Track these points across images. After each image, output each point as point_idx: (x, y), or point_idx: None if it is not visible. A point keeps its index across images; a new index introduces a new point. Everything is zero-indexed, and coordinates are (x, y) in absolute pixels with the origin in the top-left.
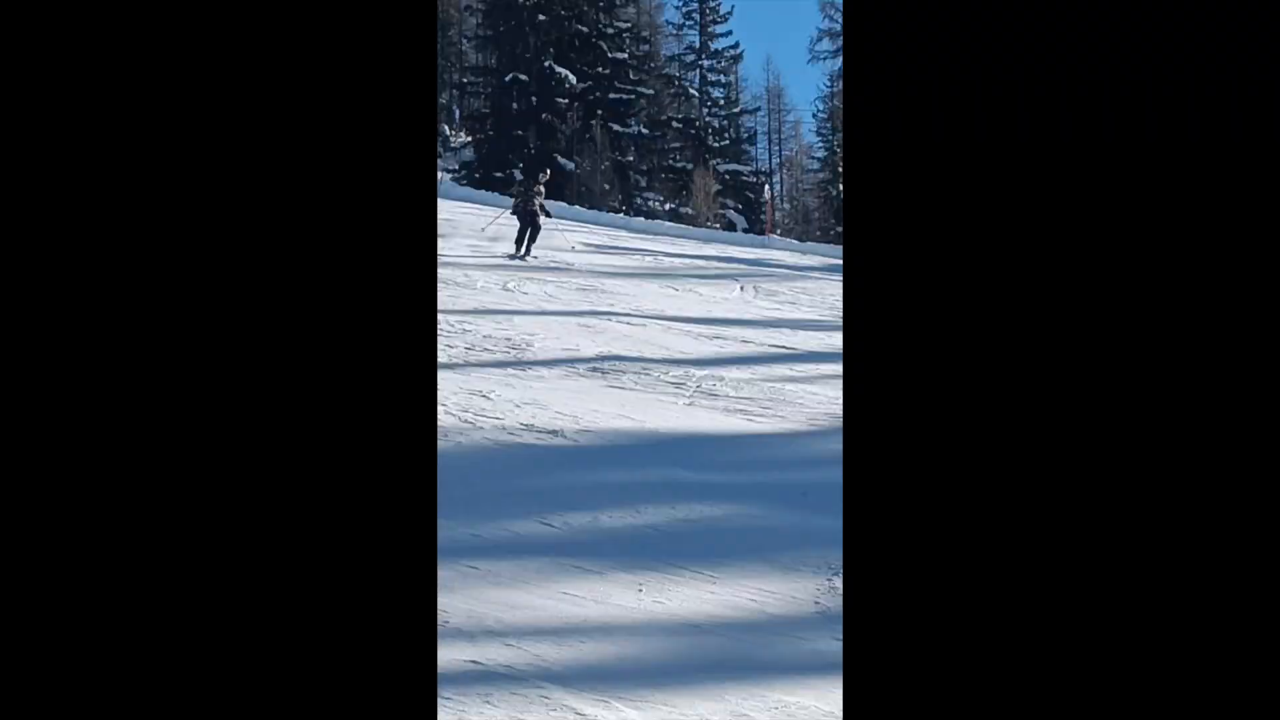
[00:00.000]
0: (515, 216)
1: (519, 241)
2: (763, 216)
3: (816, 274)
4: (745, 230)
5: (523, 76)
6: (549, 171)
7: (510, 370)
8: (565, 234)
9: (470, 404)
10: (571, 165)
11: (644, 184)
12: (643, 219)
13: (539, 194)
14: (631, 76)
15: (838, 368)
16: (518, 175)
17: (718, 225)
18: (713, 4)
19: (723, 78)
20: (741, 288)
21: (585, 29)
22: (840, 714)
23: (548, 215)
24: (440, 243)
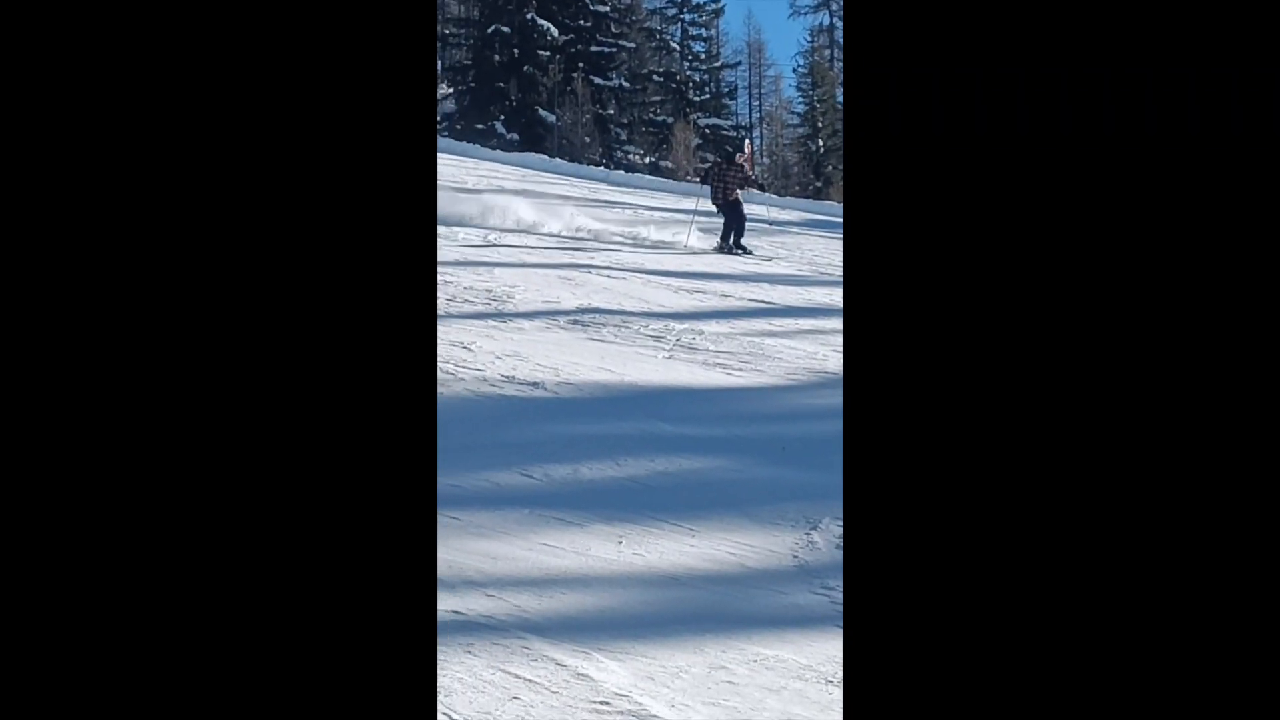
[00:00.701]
0: (716, 209)
1: (724, 237)
2: None
3: (795, 229)
4: None
5: (505, 28)
6: (748, 147)
7: (491, 322)
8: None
9: (451, 355)
10: (552, 118)
11: (624, 137)
12: (623, 172)
13: (739, 177)
14: (613, 29)
15: (816, 322)
16: (710, 158)
17: (698, 179)
18: None
19: (704, 31)
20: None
21: None
22: (816, 666)
23: (756, 184)
24: None
